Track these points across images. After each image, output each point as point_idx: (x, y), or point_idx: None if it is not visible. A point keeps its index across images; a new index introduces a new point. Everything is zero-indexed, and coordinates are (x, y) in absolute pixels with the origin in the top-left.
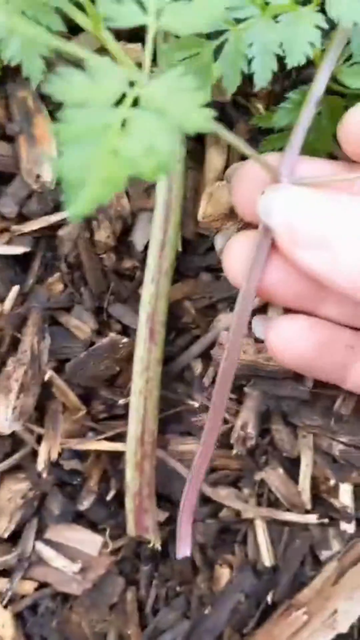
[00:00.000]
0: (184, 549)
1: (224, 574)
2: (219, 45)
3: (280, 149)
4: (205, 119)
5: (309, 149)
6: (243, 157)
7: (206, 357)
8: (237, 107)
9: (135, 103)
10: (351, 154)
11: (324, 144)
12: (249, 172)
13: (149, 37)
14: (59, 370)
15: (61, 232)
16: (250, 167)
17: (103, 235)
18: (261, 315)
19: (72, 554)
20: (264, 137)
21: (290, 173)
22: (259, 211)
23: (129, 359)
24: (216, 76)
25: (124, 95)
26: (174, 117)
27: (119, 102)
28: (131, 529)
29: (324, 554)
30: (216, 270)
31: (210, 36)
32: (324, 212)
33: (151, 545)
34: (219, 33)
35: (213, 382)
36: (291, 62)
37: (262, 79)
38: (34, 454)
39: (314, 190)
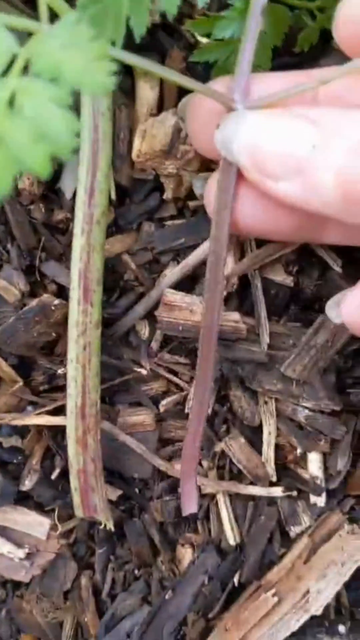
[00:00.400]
0: (188, 505)
1: (186, 554)
2: None
3: (215, 62)
4: (107, 76)
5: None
6: (180, 87)
7: (153, 317)
8: (169, 32)
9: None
10: (347, 48)
11: (265, 60)
12: (202, 103)
13: None
14: None
15: None
16: (200, 98)
17: (26, 182)
18: (332, 299)
19: (18, 539)
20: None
21: (244, 97)
22: (218, 147)
23: (66, 322)
24: None
25: (13, 59)
26: (69, 79)
27: (7, 69)
28: (78, 509)
29: (293, 530)
30: (159, 219)
31: None
32: (289, 135)
33: (102, 526)
34: None
35: (163, 346)
36: None
37: None
38: None
39: (273, 112)
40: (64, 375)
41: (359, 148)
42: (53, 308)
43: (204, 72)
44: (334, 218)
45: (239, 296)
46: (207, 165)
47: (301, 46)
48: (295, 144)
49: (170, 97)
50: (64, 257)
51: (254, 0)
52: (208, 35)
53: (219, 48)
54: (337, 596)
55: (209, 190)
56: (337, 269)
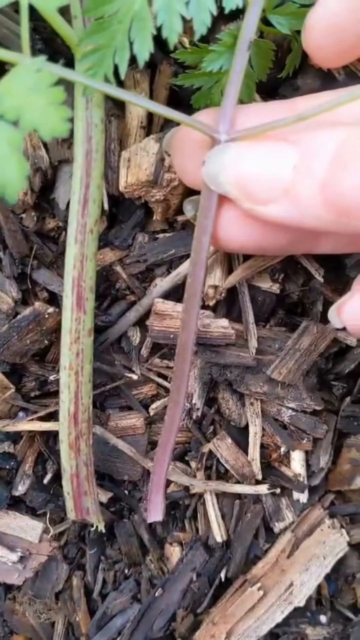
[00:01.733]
0: (154, 514)
1: (174, 552)
2: None
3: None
4: (63, 121)
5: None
6: (169, 99)
7: (143, 325)
8: (160, 46)
9: None
10: (316, 57)
11: (249, 93)
12: (186, 137)
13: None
14: None
15: None
16: (184, 132)
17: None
18: (333, 306)
19: (11, 542)
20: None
21: (229, 129)
22: (206, 182)
23: (58, 330)
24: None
25: None
26: (28, 122)
27: None
28: (71, 512)
29: (277, 526)
30: (152, 232)
31: None
32: (270, 160)
33: (94, 527)
34: None
35: (152, 352)
36: (229, 6)
37: (201, 24)
38: None
39: (254, 141)
40: (56, 382)
41: (339, 161)
42: (46, 316)
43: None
44: (328, 231)
45: (227, 303)
46: (192, 189)
47: (287, 71)
48: (276, 167)
49: None
50: (55, 265)
51: (242, 38)
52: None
53: (205, 77)
54: (318, 588)
55: None
56: (319, 278)
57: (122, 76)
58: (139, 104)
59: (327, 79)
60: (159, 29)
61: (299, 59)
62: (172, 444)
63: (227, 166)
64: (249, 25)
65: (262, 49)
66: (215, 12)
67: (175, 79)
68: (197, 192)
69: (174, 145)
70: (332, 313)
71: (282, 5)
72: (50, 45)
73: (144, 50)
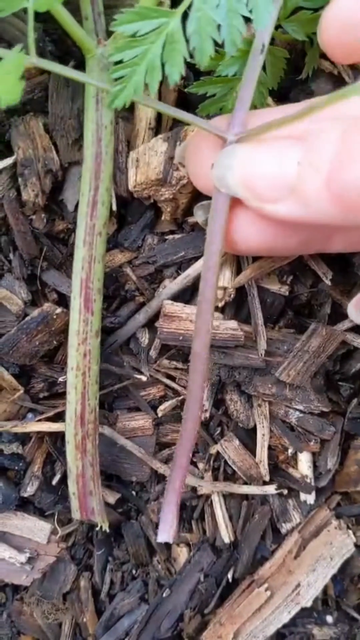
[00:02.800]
0: (164, 534)
1: (182, 553)
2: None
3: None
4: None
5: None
6: (177, 102)
7: (152, 326)
8: None
9: None
10: (331, 52)
11: (261, 100)
12: (199, 143)
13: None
14: None
15: None
16: (198, 137)
17: (31, 193)
18: (352, 301)
19: (19, 544)
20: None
21: (238, 130)
22: (216, 185)
23: (67, 331)
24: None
25: None
26: None
27: None
28: (76, 512)
29: (284, 527)
30: (161, 234)
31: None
32: (274, 158)
33: (99, 528)
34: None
35: (162, 353)
36: (258, 26)
37: (232, 45)
38: None
39: (259, 141)
40: (64, 383)
41: (342, 155)
42: (55, 317)
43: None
44: (337, 226)
45: (236, 304)
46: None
47: (306, 73)
48: (281, 165)
49: None
50: (64, 267)
51: (255, 41)
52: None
53: (219, 84)
54: (324, 588)
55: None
56: (327, 281)
57: (152, 95)
58: (162, 110)
59: (338, 84)
60: (191, 52)
61: (316, 61)
62: (188, 460)
63: (234, 168)
64: (263, 32)
65: (275, 56)
66: (245, 31)
67: (186, 83)
68: (208, 197)
69: (187, 152)
70: (350, 309)
71: (295, 14)
72: (61, 46)
73: (176, 72)
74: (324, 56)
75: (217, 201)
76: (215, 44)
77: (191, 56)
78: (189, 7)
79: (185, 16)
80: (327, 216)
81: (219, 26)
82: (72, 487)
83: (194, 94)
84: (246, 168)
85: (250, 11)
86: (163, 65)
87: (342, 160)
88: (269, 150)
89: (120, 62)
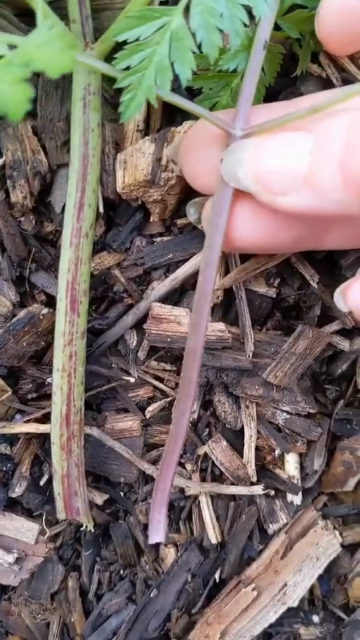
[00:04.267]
0: (155, 535)
1: (169, 553)
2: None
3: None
4: (70, 61)
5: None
6: (165, 104)
7: (141, 328)
8: None
9: None
10: (329, 44)
11: (259, 97)
12: (197, 140)
13: None
14: None
15: None
16: (195, 134)
17: (19, 195)
18: (338, 289)
19: (7, 544)
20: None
21: (244, 125)
22: (225, 179)
23: (54, 332)
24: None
25: None
26: (38, 64)
27: None
28: (61, 512)
29: (271, 527)
30: (149, 236)
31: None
32: (285, 149)
33: (84, 528)
34: None
35: (150, 355)
36: (258, 13)
37: (236, 35)
38: None
39: (268, 134)
40: (51, 384)
41: (354, 139)
42: (41, 317)
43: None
44: (354, 216)
45: (223, 306)
46: (189, 188)
47: (301, 69)
48: (293, 156)
49: (157, 112)
50: (53, 268)
51: (258, 37)
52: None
53: (215, 79)
54: (311, 588)
55: (207, 214)
56: (314, 284)
57: (166, 98)
58: (175, 102)
59: (327, 85)
60: (198, 46)
61: (309, 58)
62: (177, 460)
63: (244, 161)
64: (265, 26)
65: (272, 52)
66: (247, 21)
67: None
68: (197, 194)
69: (181, 150)
70: (337, 297)
71: (291, 12)
72: None
73: (186, 69)
74: (312, 59)
75: (221, 196)
76: None
77: (200, 50)
78: (189, 1)
79: (185, 11)
80: (340, 204)
81: (221, 15)
82: (57, 488)
83: (189, 90)
84: (256, 162)
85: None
86: (172, 64)
87: (355, 144)
88: (279, 143)
89: (127, 68)
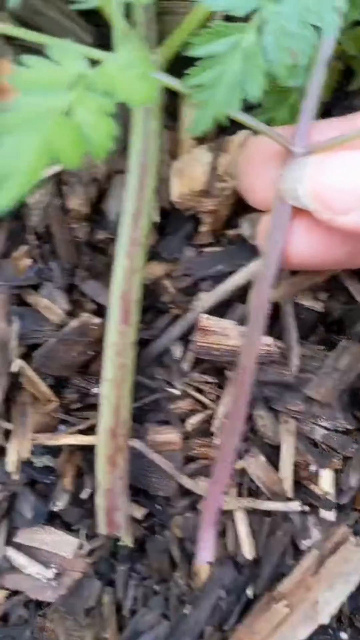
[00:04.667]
0: (205, 554)
1: (203, 569)
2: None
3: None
4: (151, 89)
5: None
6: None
7: (187, 340)
8: None
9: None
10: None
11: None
12: (255, 155)
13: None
14: (26, 356)
15: (28, 199)
16: (254, 150)
17: (76, 202)
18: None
19: (46, 558)
20: None
21: (306, 143)
22: (284, 197)
23: (102, 342)
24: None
25: (79, 79)
26: (121, 94)
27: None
28: (102, 527)
29: (303, 543)
30: (199, 246)
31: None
32: (350, 171)
33: (122, 543)
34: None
35: (193, 367)
36: (327, 33)
37: (304, 55)
38: (2, 451)
39: (332, 154)
40: (96, 394)
41: None
42: (92, 327)
43: None
44: None
45: (268, 319)
46: (242, 200)
47: (358, 85)
48: (355, 174)
49: None
50: (102, 277)
51: (321, 53)
52: None
53: (275, 95)
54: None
55: (262, 230)
56: None
57: (234, 116)
58: (238, 118)
59: None
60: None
61: None
62: (228, 477)
63: (305, 179)
64: (329, 44)
65: (331, 69)
66: (317, 42)
67: None
68: (252, 209)
69: (240, 164)
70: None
71: (351, 29)
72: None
73: (257, 89)
74: None
75: (279, 213)
76: None
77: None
78: (261, 19)
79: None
80: None
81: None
82: (99, 502)
83: None
84: (317, 180)
85: (318, 20)
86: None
87: None
88: (341, 161)
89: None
